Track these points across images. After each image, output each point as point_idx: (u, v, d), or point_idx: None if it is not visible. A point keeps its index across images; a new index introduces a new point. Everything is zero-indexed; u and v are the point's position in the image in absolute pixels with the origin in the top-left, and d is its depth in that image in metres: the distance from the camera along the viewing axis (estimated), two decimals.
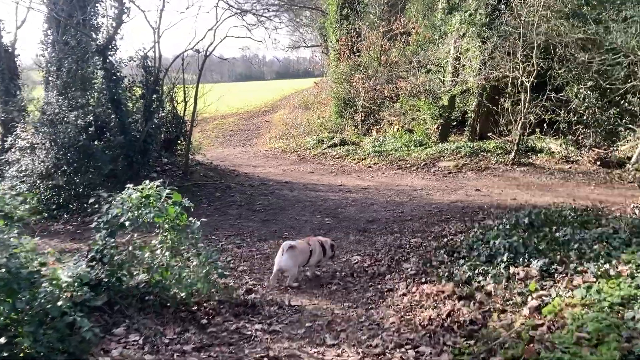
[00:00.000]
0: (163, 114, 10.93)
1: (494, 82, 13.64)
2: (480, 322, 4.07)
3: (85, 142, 8.87)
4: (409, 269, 5.55)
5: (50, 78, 10.00)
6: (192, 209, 5.09)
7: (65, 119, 9.22)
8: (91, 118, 9.11)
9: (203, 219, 5.24)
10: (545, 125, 13.91)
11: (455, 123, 16.01)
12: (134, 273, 4.65)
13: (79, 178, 8.92)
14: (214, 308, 4.77)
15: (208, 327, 4.41)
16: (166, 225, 4.92)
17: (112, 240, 4.49)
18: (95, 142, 9.27)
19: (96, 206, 4.86)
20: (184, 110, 12.38)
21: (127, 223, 4.50)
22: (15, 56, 12.72)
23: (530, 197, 9.02)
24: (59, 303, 3.54)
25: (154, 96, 9.73)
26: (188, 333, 4.24)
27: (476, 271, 4.98)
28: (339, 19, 20.03)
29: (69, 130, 8.92)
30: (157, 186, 4.99)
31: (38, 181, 9.35)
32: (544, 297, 4.20)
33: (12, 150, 9.44)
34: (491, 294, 4.54)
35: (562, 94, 13.11)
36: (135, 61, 9.64)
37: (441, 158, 12.80)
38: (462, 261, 5.32)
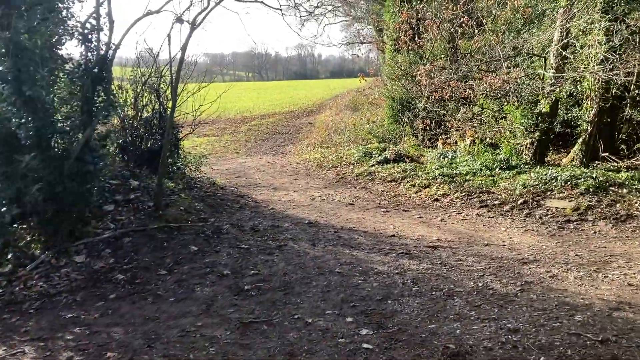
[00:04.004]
0: (117, 114, 7.27)
1: (626, 77, 9.19)
2: None
3: None
4: None
5: None
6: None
7: None
8: None
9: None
10: None
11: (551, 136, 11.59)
12: None
13: None
14: None
15: None
16: None
17: None
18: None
19: None
20: (172, 110, 8.70)
21: None
22: None
23: None
24: None
25: (99, 87, 6.06)
26: None
27: None
28: (399, 2, 15.92)
29: None
30: None
31: None
32: None
33: None
34: None
35: None
36: (69, 29, 5.97)
37: (548, 193, 8.46)
38: None
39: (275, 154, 16.18)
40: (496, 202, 8.48)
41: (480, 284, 5.10)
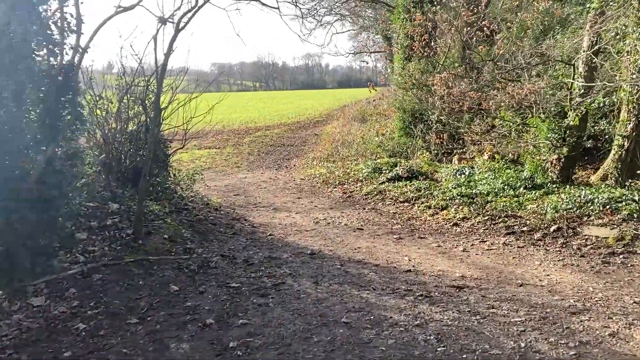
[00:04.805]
0: (86, 129, 6.37)
1: None
2: None
3: None
4: None
5: None
6: None
7: None
8: None
9: None
10: None
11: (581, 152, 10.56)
12: None
13: None
14: None
15: None
16: None
17: None
18: None
19: None
20: (153, 122, 7.80)
21: None
22: None
23: None
24: None
25: (64, 98, 5.16)
26: None
27: None
28: (409, 8, 15.03)
29: None
30: None
31: None
32: None
33: None
34: None
35: None
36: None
37: (585, 218, 7.44)
38: None
39: (279, 169, 15.25)
40: (525, 229, 7.47)
41: (522, 344, 4.08)
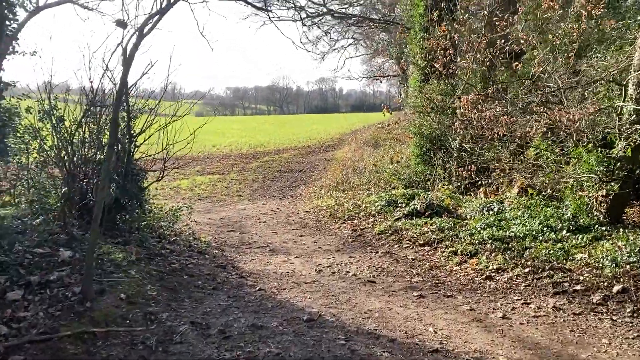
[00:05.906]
0: (5, 161, 5.09)
1: None
2: None
3: None
4: None
5: None
6: None
7: None
8: None
9: None
10: None
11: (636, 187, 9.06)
12: None
13: None
14: None
15: None
16: None
17: None
18: None
19: None
20: (109, 149, 6.56)
21: None
22: None
23: None
24: None
25: None
26: None
27: None
28: (426, 26, 13.81)
29: None
30: None
31: None
32: None
33: None
34: None
35: None
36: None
37: None
38: None
39: (283, 198, 13.90)
40: (578, 287, 5.95)
41: None
